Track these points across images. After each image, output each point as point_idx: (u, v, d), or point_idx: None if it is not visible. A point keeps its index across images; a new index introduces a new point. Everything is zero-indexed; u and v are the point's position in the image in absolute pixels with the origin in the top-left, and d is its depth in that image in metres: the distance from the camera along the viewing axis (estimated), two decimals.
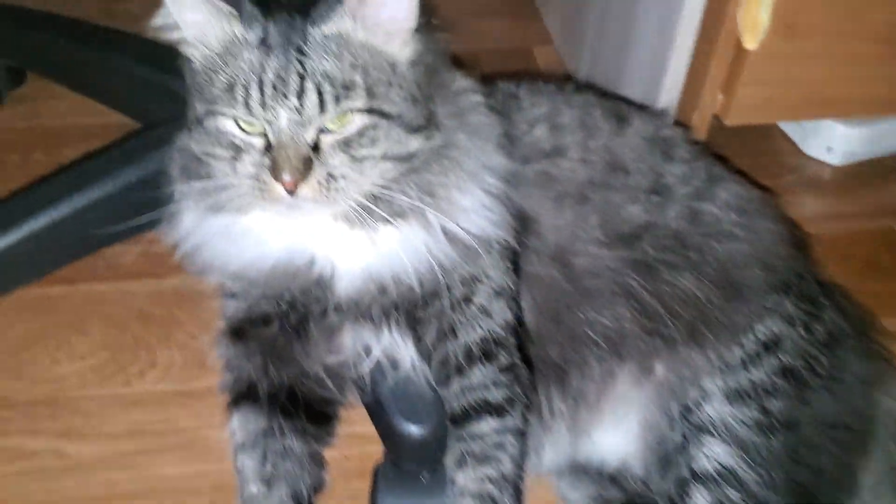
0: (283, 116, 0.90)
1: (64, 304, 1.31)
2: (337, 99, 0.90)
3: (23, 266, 1.25)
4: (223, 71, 0.93)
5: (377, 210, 0.96)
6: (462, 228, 1.00)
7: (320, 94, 0.89)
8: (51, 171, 1.44)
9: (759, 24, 1.22)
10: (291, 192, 0.90)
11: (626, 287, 1.08)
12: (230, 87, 0.91)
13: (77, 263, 1.36)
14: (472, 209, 1.01)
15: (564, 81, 1.31)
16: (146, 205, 1.05)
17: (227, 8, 0.94)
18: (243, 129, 0.93)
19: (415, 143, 0.95)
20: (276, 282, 1.04)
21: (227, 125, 0.94)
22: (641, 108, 1.28)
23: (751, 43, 1.23)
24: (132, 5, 1.89)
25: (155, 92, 1.39)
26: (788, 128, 1.70)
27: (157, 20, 0.97)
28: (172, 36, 0.98)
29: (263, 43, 0.92)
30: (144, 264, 1.37)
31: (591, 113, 1.19)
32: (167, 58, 1.43)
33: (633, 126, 1.20)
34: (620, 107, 1.25)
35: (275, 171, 0.90)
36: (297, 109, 0.90)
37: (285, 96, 0.89)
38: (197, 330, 1.29)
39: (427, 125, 0.98)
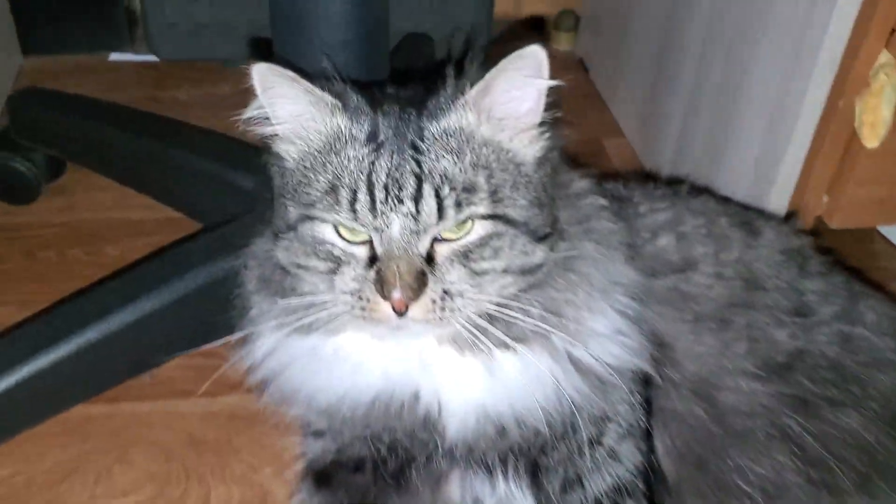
0: (396, 224, 0.78)
1: (104, 428, 1.16)
2: (458, 204, 0.79)
3: (66, 388, 1.12)
4: (324, 170, 0.81)
5: (494, 332, 0.83)
6: (594, 356, 0.87)
7: (439, 198, 0.78)
8: (94, 272, 1.35)
9: (882, 122, 1.13)
10: (400, 313, 0.78)
11: (784, 428, 0.93)
12: (332, 190, 0.80)
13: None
14: (605, 333, 0.89)
15: (667, 182, 1.23)
16: (208, 320, 0.96)
17: (330, 99, 0.83)
18: (344, 238, 0.82)
19: (540, 253, 0.83)
20: (375, 420, 0.90)
21: (326, 233, 0.82)
22: (763, 213, 1.19)
23: (871, 141, 1.14)
24: (180, 93, 1.86)
25: (215, 187, 1.31)
26: (889, 230, 1.56)
27: (249, 112, 0.86)
28: (264, 130, 0.87)
29: (373, 139, 0.81)
30: (196, 380, 1.19)
31: (716, 221, 1.08)
32: (227, 149, 1.38)
33: (764, 236, 1.08)
34: (745, 213, 1.14)
35: (382, 288, 0.78)
36: (412, 216, 0.78)
37: (399, 200, 0.78)
38: (258, 461, 1.13)
39: (552, 232, 0.86)
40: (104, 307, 1.09)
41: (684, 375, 0.93)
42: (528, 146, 0.85)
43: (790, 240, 1.09)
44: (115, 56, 1.94)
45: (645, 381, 0.94)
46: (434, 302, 0.79)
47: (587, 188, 0.97)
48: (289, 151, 0.87)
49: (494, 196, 0.80)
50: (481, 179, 0.80)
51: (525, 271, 0.83)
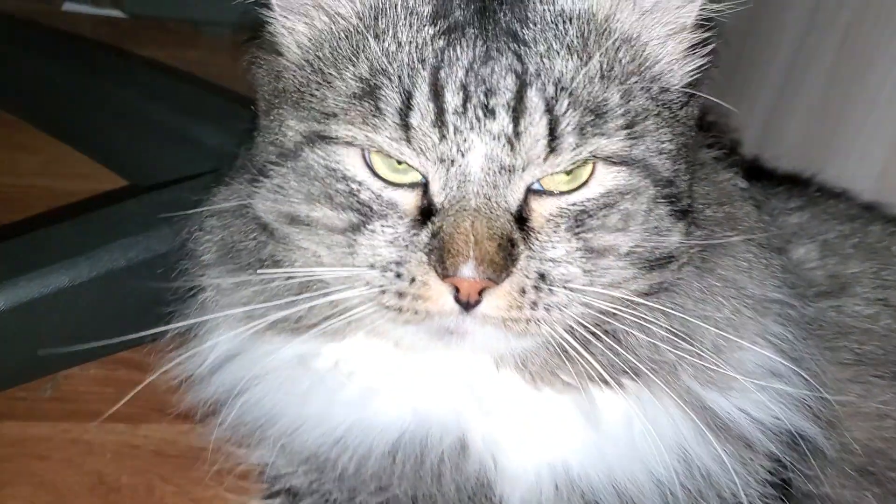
0: (479, 151, 0.58)
1: None
2: (581, 129, 0.59)
3: None
4: (354, 62, 0.61)
5: (597, 353, 0.62)
6: (740, 409, 0.67)
7: (552, 115, 0.58)
8: None
9: None
10: (468, 304, 0.57)
11: None
12: (369, 92, 0.59)
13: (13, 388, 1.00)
14: (756, 374, 0.67)
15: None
16: (138, 310, 0.76)
17: None
18: (379, 176, 0.61)
19: (676, 235, 0.65)
20: (393, 479, 0.67)
21: (350, 162, 0.61)
22: None
23: None
24: (142, 53, 1.63)
25: (169, 142, 1.12)
26: None
27: None
28: None
29: (443, 16, 0.61)
30: (112, 398, 0.89)
31: (868, 228, 0.89)
32: (189, 94, 1.18)
33: None
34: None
35: (443, 259, 0.57)
36: (507, 139, 0.58)
37: (488, 112, 0.58)
38: None
39: (691, 209, 0.67)
40: None
41: (848, 446, 0.73)
42: (679, 61, 0.64)
43: None
44: (69, 5, 1.81)
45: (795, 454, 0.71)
46: (524, 292, 0.58)
47: (720, 159, 0.76)
48: (295, 32, 0.65)
49: (632, 129, 0.61)
50: (615, 98, 0.60)
51: (654, 262, 0.64)
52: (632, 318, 0.63)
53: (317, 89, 0.62)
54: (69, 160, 1.33)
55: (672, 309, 0.65)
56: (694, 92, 0.66)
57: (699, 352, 0.65)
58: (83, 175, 1.31)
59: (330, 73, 0.62)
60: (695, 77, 0.66)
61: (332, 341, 0.67)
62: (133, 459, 0.92)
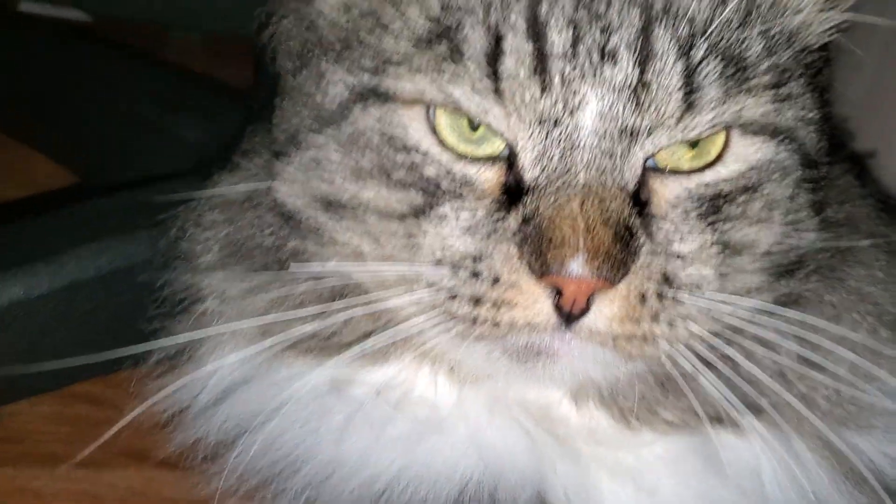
0: (593, 108, 0.47)
1: None
2: (725, 84, 0.48)
3: None
4: None
5: (711, 384, 0.51)
6: (883, 453, 0.57)
7: (689, 60, 0.48)
8: None
9: None
10: (571, 315, 0.46)
11: None
12: (442, 34, 0.49)
13: None
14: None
15: None
16: (106, 331, 0.74)
17: None
18: (449, 146, 0.50)
19: (812, 233, 0.56)
20: None
21: (413, 127, 0.50)
22: None
23: None
24: None
25: (144, 137, 1.01)
26: None
27: None
28: None
29: None
30: (68, 441, 0.83)
31: None
32: (165, 82, 1.10)
33: None
34: None
35: (543, 251, 0.46)
36: (632, 91, 0.47)
37: (606, 56, 0.47)
38: None
39: (826, 202, 0.59)
40: None
41: None
42: (820, 14, 0.54)
43: None
44: (26, 5, 1.67)
45: None
46: (644, 298, 0.47)
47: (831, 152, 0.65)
48: None
49: (779, 89, 0.51)
50: (757, 48, 0.50)
51: (783, 267, 0.54)
52: (755, 338, 0.52)
53: (369, 34, 0.51)
54: (22, 164, 1.21)
55: (801, 328, 0.53)
56: (829, 56, 0.55)
57: (835, 382, 0.54)
58: (39, 181, 1.17)
59: (386, 13, 0.51)
60: (831, 37, 0.55)
61: (371, 365, 0.55)
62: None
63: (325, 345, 0.55)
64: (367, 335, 0.52)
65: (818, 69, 0.55)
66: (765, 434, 0.53)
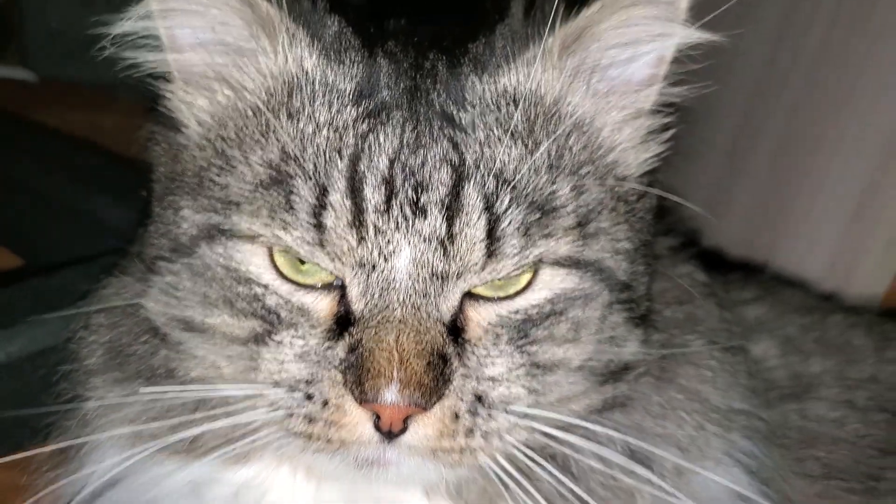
0: (405, 255, 0.50)
1: None
2: (526, 231, 0.51)
3: None
4: (263, 144, 0.52)
5: (542, 483, 0.53)
6: None
7: (491, 213, 0.50)
8: None
9: None
10: (391, 434, 0.49)
11: None
12: (278, 180, 0.51)
13: None
14: (721, 499, 0.60)
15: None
16: (13, 417, 0.66)
17: (286, 19, 0.53)
18: (286, 277, 0.52)
19: (633, 344, 0.57)
20: None
21: (254, 261, 0.53)
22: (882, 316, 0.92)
23: None
24: (51, 117, 1.50)
25: (65, 219, 1.01)
26: None
27: (126, 23, 0.55)
28: (147, 59, 0.58)
29: (367, 96, 0.53)
30: None
31: (828, 322, 0.81)
32: (92, 168, 1.08)
33: None
34: (861, 311, 0.88)
35: (361, 380, 0.48)
36: (439, 242, 0.50)
37: (416, 210, 0.50)
38: None
39: (650, 312, 0.60)
40: None
41: None
42: (636, 147, 0.57)
43: None
44: None
45: None
46: (457, 417, 0.50)
47: (679, 249, 0.69)
48: (195, 107, 0.56)
49: (584, 227, 0.53)
50: (565, 190, 0.52)
51: (608, 374, 0.56)
52: (582, 440, 0.54)
53: (218, 174, 0.53)
54: None
55: (628, 427, 0.56)
56: (651, 180, 0.57)
57: (659, 476, 0.56)
58: None
59: (234, 157, 0.53)
60: (652, 165, 0.57)
61: (234, 465, 0.56)
62: None
63: (191, 447, 0.56)
64: (228, 442, 0.53)
65: (640, 194, 0.57)
66: None
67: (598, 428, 0.55)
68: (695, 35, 0.53)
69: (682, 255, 0.69)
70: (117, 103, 1.53)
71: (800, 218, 1.20)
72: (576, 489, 0.54)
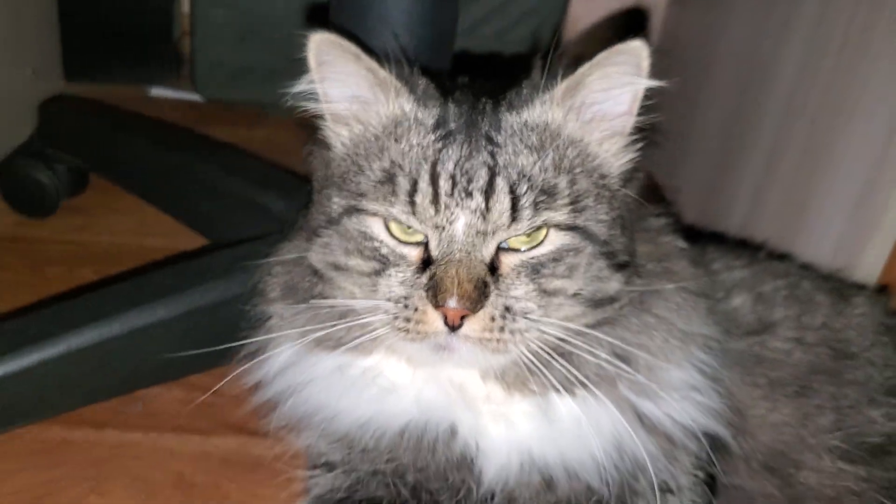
0: (461, 220, 0.70)
1: (85, 454, 1.03)
2: (535, 206, 0.70)
3: (49, 393, 0.99)
4: (380, 157, 0.74)
5: (555, 369, 0.73)
6: (665, 413, 0.78)
7: (514, 195, 0.70)
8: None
9: None
10: (453, 327, 0.69)
11: None
12: (388, 179, 0.72)
13: (108, 403, 1.10)
14: (679, 388, 0.79)
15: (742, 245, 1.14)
16: (218, 341, 0.87)
17: (396, 81, 0.75)
18: (395, 237, 0.73)
19: (616, 283, 0.75)
20: (402, 453, 0.78)
21: (375, 228, 0.74)
22: (853, 284, 1.06)
23: None
24: (215, 132, 1.69)
25: (244, 209, 1.23)
26: None
27: (300, 86, 0.79)
28: (312, 107, 0.80)
29: (441, 126, 0.74)
30: (192, 415, 1.10)
31: (799, 284, 0.98)
32: (258, 170, 1.31)
33: (855, 304, 0.97)
34: (833, 280, 1.03)
35: (436, 295, 0.69)
36: (480, 212, 0.70)
37: (467, 194, 0.70)
38: None
39: (630, 263, 0.77)
40: (104, 309, 0.99)
41: (755, 448, 0.84)
42: (615, 155, 0.77)
43: (886, 314, 0.98)
44: (156, 90, 1.93)
45: (712, 451, 0.82)
46: (493, 319, 0.70)
47: (666, 226, 0.88)
48: (340, 135, 0.79)
49: (576, 205, 0.73)
50: (563, 183, 0.72)
51: (597, 302, 0.75)
52: (581, 343, 0.73)
53: (354, 176, 0.75)
54: (155, 222, 1.45)
55: (614, 337, 0.76)
56: (631, 177, 0.78)
57: (634, 370, 0.76)
58: (166, 234, 1.43)
59: (362, 165, 0.75)
60: (631, 167, 0.78)
61: (362, 356, 0.78)
62: (206, 462, 1.03)
63: (335, 344, 0.78)
64: (358, 337, 0.75)
65: (621, 185, 0.77)
66: (587, 399, 0.76)
67: (592, 336, 0.75)
68: (652, 83, 0.73)
69: (669, 228, 0.87)
70: (267, 120, 1.84)
71: (806, 203, 1.24)
72: (577, 374, 0.75)
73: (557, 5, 1.68)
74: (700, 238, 1.05)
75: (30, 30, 1.60)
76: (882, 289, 1.08)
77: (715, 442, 0.81)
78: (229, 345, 0.89)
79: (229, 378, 0.87)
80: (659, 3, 1.98)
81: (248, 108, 1.88)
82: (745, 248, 1.09)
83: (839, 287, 1.00)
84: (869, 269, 1.11)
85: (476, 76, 0.86)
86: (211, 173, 1.28)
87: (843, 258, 1.14)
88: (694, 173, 1.64)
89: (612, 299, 0.76)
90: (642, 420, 0.77)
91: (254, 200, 1.21)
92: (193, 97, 1.89)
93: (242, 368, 0.87)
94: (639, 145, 0.77)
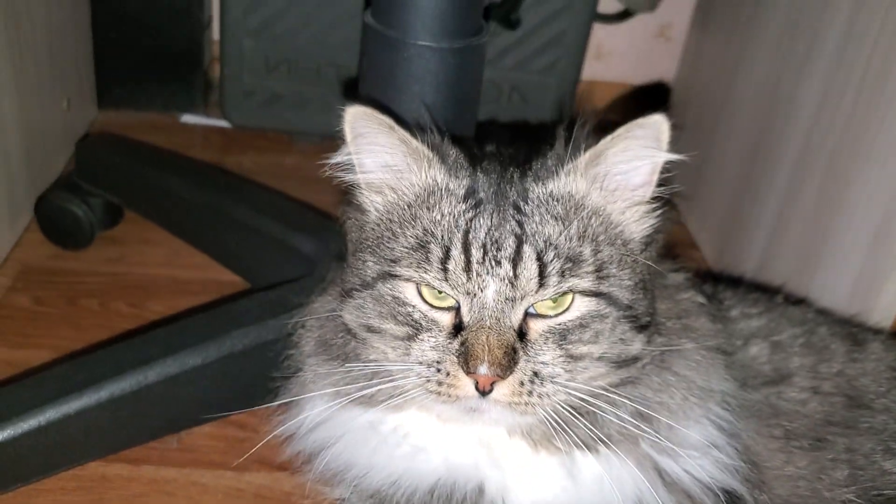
0: (491, 288, 0.73)
1: (122, 490, 1.05)
2: (562, 272, 0.73)
3: (89, 439, 1.01)
4: (413, 225, 0.77)
5: (579, 428, 0.76)
6: (685, 470, 0.80)
7: (541, 262, 0.72)
8: (134, 325, 1.29)
9: None
10: (484, 392, 0.72)
11: None
12: (421, 246, 0.75)
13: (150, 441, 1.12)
14: (698, 445, 0.81)
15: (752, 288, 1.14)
16: (251, 384, 0.91)
17: (428, 152, 0.78)
18: (427, 302, 0.76)
19: (639, 344, 0.78)
20: None
21: (408, 293, 0.77)
22: (868, 327, 1.07)
23: None
24: (245, 159, 1.83)
25: (274, 249, 1.24)
26: None
27: (338, 157, 0.82)
28: (347, 177, 0.83)
29: (471, 195, 0.77)
30: (225, 451, 1.11)
31: (816, 331, 0.99)
32: (290, 211, 1.33)
33: (870, 348, 0.99)
34: (849, 325, 1.05)
35: (467, 361, 0.72)
36: (509, 280, 0.73)
37: (496, 262, 0.73)
38: None
39: (651, 323, 0.79)
40: (144, 356, 1.00)
41: (772, 501, 0.84)
42: (637, 222, 0.80)
43: None
44: (186, 118, 1.93)
45: None
46: (522, 384, 0.73)
47: (684, 282, 0.91)
48: (374, 202, 0.82)
49: (600, 272, 0.75)
50: (587, 251, 0.75)
51: (621, 363, 0.77)
52: (606, 402, 0.76)
53: (387, 242, 0.77)
54: (187, 254, 1.46)
55: (636, 396, 0.79)
56: (651, 240, 0.81)
57: (655, 429, 0.78)
58: (199, 266, 1.44)
59: (396, 231, 0.77)
60: (652, 231, 0.80)
61: (394, 413, 0.81)
62: (239, 499, 1.05)
63: (368, 401, 0.80)
64: (391, 397, 0.78)
65: (642, 249, 0.79)
66: (609, 457, 0.78)
67: (615, 396, 0.77)
68: (671, 156, 0.76)
69: (687, 284, 0.90)
70: (294, 147, 1.85)
71: (822, 245, 1.25)
72: (600, 433, 0.77)
73: (579, 36, 1.69)
74: (718, 282, 1.08)
75: (65, 62, 1.62)
76: None
77: (732, 497, 0.82)
78: (264, 389, 0.93)
79: (264, 418, 0.91)
80: (680, 29, 1.99)
81: (278, 136, 1.90)
82: (762, 292, 1.10)
83: (855, 332, 1.01)
84: (886, 310, 1.11)
85: (503, 143, 0.89)
86: (241, 213, 1.29)
87: (859, 299, 1.14)
88: (712, 210, 1.65)
89: (635, 359, 0.78)
90: (662, 477, 0.80)
91: (284, 241, 1.23)
92: (223, 124, 1.90)
93: (277, 418, 0.90)
94: (659, 211, 0.80)
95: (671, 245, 0.90)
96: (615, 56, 2.05)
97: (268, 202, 1.32)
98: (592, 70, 1.99)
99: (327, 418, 0.85)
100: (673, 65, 1.99)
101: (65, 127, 1.65)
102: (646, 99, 1.91)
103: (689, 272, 0.92)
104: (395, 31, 1.00)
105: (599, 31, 1.94)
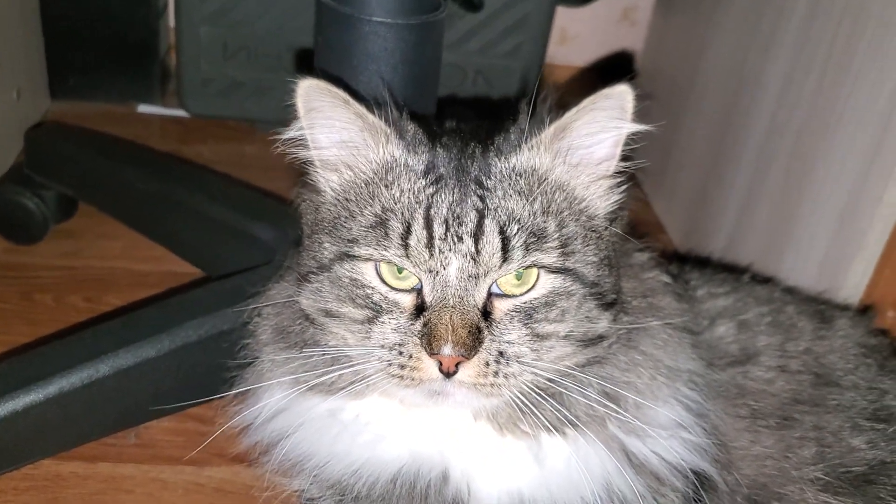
0: (454, 264, 0.71)
1: (78, 489, 1.03)
2: (526, 246, 0.71)
3: (40, 436, 0.98)
4: (371, 203, 0.74)
5: (546, 410, 0.74)
6: (652, 451, 0.79)
7: (504, 236, 0.70)
8: (90, 318, 1.27)
9: None
10: (448, 374, 0.69)
11: None
12: (380, 223, 0.73)
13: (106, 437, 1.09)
14: (666, 426, 0.79)
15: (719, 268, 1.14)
16: (208, 375, 0.89)
17: (385, 127, 0.75)
18: (387, 283, 0.73)
19: (605, 322, 0.76)
20: (395, 500, 0.78)
21: (367, 274, 0.74)
22: (836, 304, 1.06)
23: None
24: (204, 149, 1.79)
25: (232, 238, 1.22)
26: None
27: (290, 132, 0.79)
28: (301, 153, 0.80)
29: (431, 171, 0.74)
30: (184, 446, 1.09)
31: (783, 309, 0.99)
32: (247, 199, 1.30)
33: (837, 325, 0.98)
34: (816, 302, 1.04)
35: (430, 342, 0.70)
36: (471, 256, 0.70)
37: (458, 238, 0.71)
38: None
39: (617, 301, 0.78)
40: (95, 349, 0.97)
41: (738, 480, 0.83)
42: (601, 197, 0.78)
43: (869, 334, 0.99)
44: (143, 108, 1.89)
45: (698, 487, 0.83)
46: (487, 364, 0.71)
47: (649, 261, 0.89)
48: (329, 181, 0.79)
49: (565, 248, 0.73)
50: (552, 226, 0.73)
51: (587, 341, 0.76)
52: (573, 382, 0.74)
53: (344, 222, 0.75)
54: (145, 246, 1.43)
55: (603, 377, 0.77)
56: (616, 216, 0.79)
57: (623, 409, 0.77)
58: (156, 258, 1.42)
59: (353, 210, 0.75)
60: (616, 207, 0.79)
61: (354, 399, 0.79)
62: (199, 495, 1.03)
63: (328, 388, 0.78)
64: (352, 383, 0.76)
65: (606, 225, 0.78)
66: (576, 439, 0.77)
67: (581, 375, 0.76)
68: (636, 127, 0.74)
69: (652, 263, 0.89)
70: (256, 136, 1.81)
71: (788, 227, 1.25)
72: (567, 414, 0.75)
73: (542, 19, 1.67)
74: (685, 263, 1.07)
75: (14, 50, 1.58)
76: (866, 308, 1.08)
77: (701, 478, 0.81)
78: (221, 379, 0.90)
79: (221, 410, 0.89)
80: (644, 13, 1.98)
81: (238, 124, 1.87)
82: (730, 272, 1.10)
83: (822, 309, 1.00)
84: (853, 288, 1.11)
85: (463, 119, 0.86)
86: (198, 202, 1.26)
87: (827, 277, 1.14)
88: (679, 192, 1.65)
89: (601, 338, 0.77)
90: (630, 458, 0.78)
91: (242, 230, 1.20)
92: (181, 113, 1.86)
93: (234, 408, 0.88)
94: (624, 186, 0.78)
95: (636, 224, 0.88)
96: (579, 40, 2.05)
97: (224, 190, 1.30)
98: (557, 54, 1.98)
99: (285, 407, 0.82)
100: (638, 48, 2.00)
101: (16, 118, 1.60)
102: (609, 72, 1.90)
103: (655, 252, 0.91)
104: (350, 6, 0.97)
105: (563, 15, 1.93)
